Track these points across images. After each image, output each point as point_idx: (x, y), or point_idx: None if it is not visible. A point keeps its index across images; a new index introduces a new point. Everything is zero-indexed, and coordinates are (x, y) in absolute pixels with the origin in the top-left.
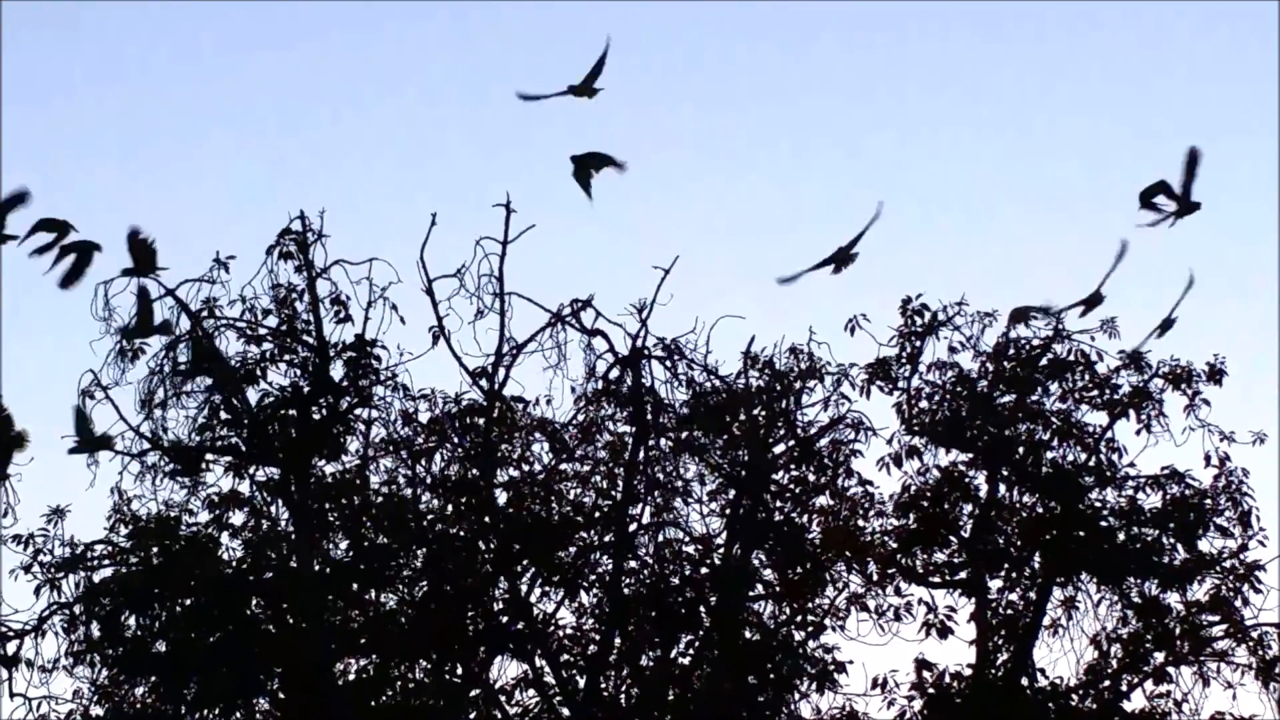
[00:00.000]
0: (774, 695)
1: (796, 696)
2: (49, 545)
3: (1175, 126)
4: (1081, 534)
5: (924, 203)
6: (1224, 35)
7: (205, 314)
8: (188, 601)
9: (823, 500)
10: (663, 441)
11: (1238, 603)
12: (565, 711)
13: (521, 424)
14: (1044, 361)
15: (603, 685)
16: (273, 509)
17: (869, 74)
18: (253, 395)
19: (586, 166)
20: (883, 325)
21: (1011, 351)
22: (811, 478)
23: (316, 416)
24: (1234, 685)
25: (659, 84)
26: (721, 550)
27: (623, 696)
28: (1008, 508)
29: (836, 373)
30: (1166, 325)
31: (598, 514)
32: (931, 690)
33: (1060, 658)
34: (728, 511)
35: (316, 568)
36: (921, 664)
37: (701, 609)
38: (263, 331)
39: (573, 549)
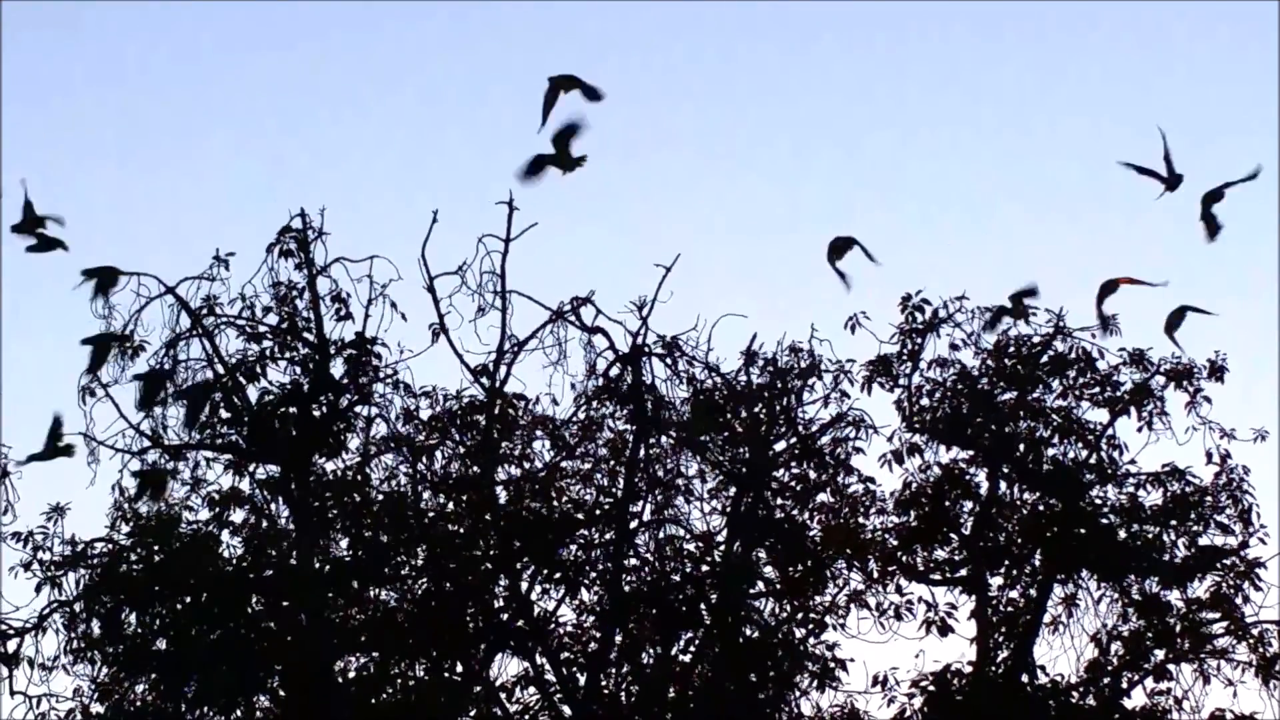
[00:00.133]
0: (775, 693)
1: (797, 694)
2: (48, 543)
3: (1175, 126)
4: (1082, 531)
5: (924, 202)
6: (1224, 35)
7: (205, 311)
8: (188, 599)
9: (824, 498)
10: (663, 439)
11: (1238, 600)
12: (566, 709)
13: (522, 422)
14: (1045, 358)
15: (603, 683)
16: (273, 507)
17: (869, 74)
18: (253, 393)
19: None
20: (883, 324)
21: (1012, 349)
22: (812, 475)
23: (317, 414)
24: (1234, 683)
25: (659, 84)
26: (722, 548)
27: (623, 694)
28: (1008, 505)
29: (834, 369)
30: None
31: (598, 511)
32: (932, 688)
33: (1061, 655)
34: (729, 509)
35: (317, 565)
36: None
37: (702, 606)
38: (263, 329)
39: (573, 546)
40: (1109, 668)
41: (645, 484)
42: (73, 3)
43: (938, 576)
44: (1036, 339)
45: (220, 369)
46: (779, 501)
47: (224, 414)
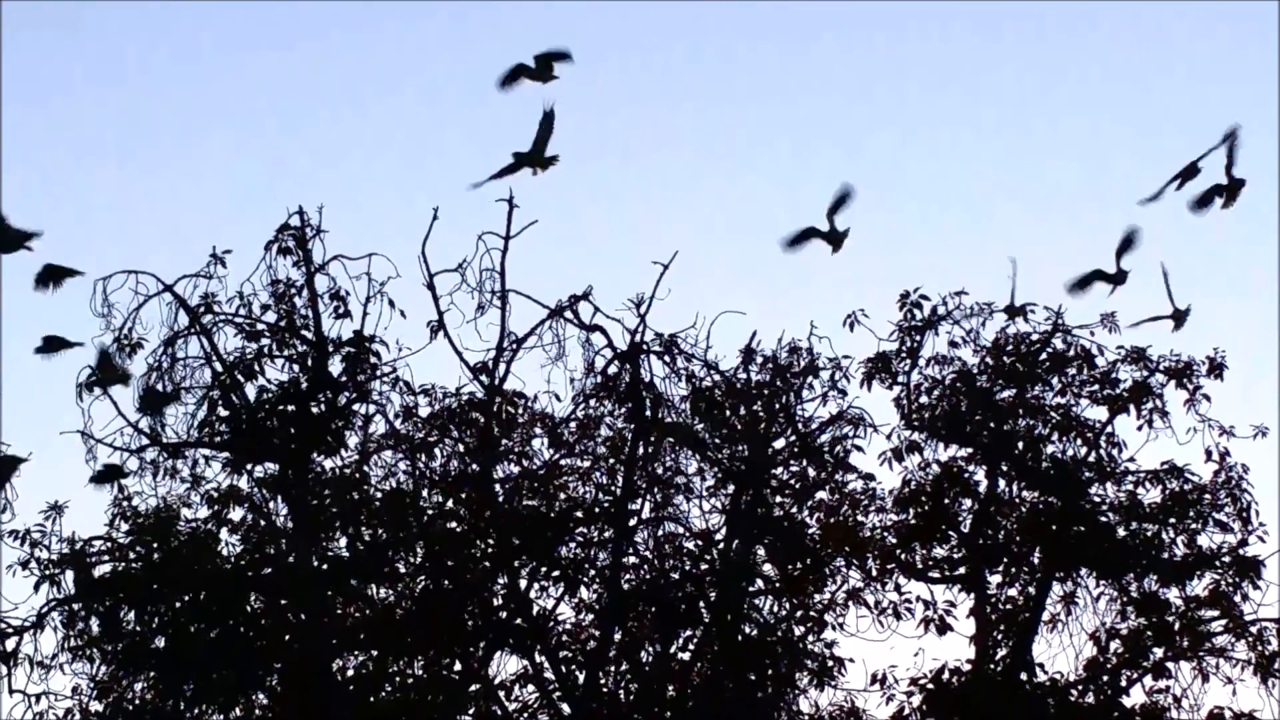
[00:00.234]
0: (774, 691)
1: (796, 692)
2: (46, 541)
3: (1175, 126)
4: (1081, 529)
5: (924, 202)
6: (1224, 35)
7: (203, 309)
8: (187, 597)
9: (823, 495)
10: (664, 438)
11: (1237, 598)
12: (565, 707)
13: (521, 419)
14: (1044, 356)
15: (602, 681)
16: (272, 505)
17: (869, 74)
18: (251, 391)
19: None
20: (882, 323)
21: (1011, 346)
22: (812, 473)
23: (315, 412)
24: (1233, 681)
25: (659, 84)
26: (721, 545)
27: (622, 692)
28: (1007, 503)
29: (829, 366)
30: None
31: (597, 509)
32: (930, 686)
33: (1059, 653)
34: (728, 507)
35: (315, 564)
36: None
37: (701, 605)
38: (261, 327)
39: (573, 544)
40: (1108, 666)
41: (644, 482)
42: (73, 3)
43: (936, 574)
44: (1035, 336)
45: (218, 367)
46: (778, 499)
47: (222, 412)
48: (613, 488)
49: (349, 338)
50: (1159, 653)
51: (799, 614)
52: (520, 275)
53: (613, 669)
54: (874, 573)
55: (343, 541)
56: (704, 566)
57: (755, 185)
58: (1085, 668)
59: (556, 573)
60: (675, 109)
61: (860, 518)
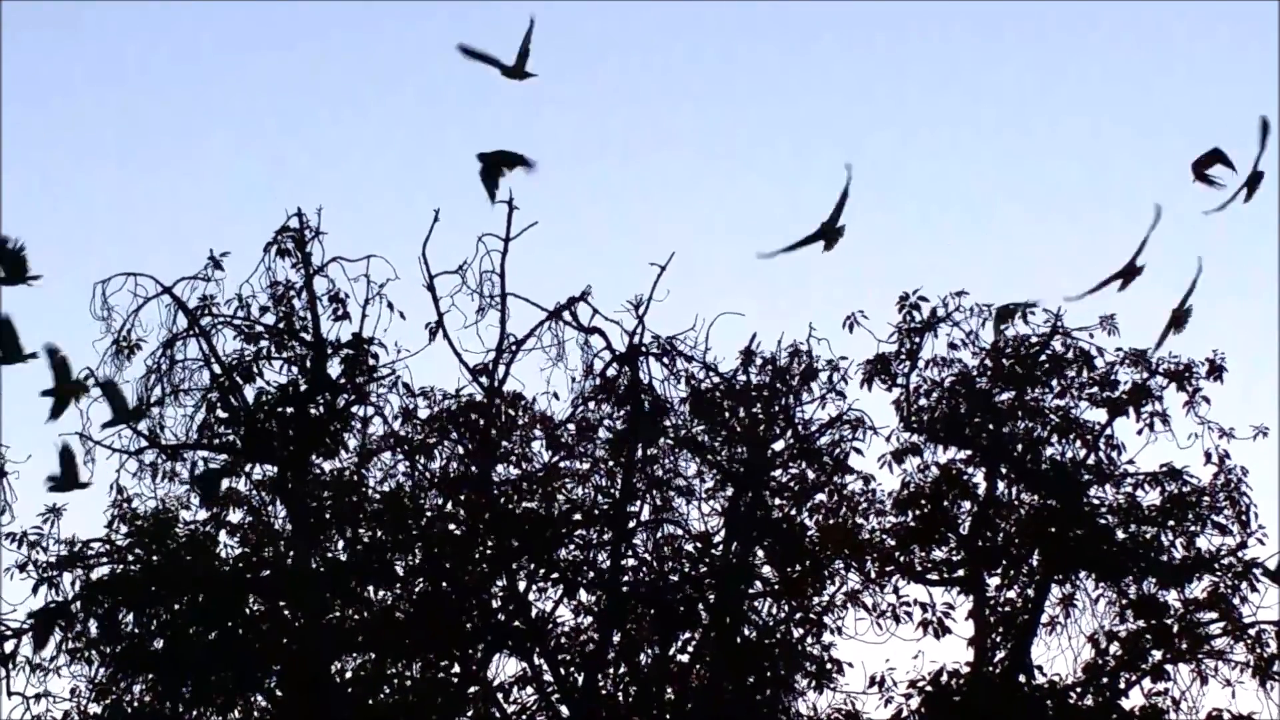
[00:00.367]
0: (772, 693)
1: (795, 695)
2: (44, 543)
3: (1175, 126)
4: (1080, 531)
5: (924, 202)
6: (1224, 35)
7: (202, 311)
8: (185, 599)
9: (822, 498)
10: (661, 439)
11: (1236, 600)
12: (563, 709)
13: (520, 421)
14: (1043, 358)
15: (601, 683)
16: (270, 507)
17: (869, 74)
18: (250, 393)
19: (497, 165)
20: (882, 324)
21: (1010, 349)
22: (811, 475)
23: (314, 414)
24: (1232, 683)
25: (659, 84)
26: (720, 548)
27: (621, 694)
28: (1006, 505)
29: (827, 368)
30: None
31: (596, 511)
32: (929, 688)
33: (1058, 655)
34: (727, 509)
35: (314, 565)
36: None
37: (700, 607)
38: (260, 329)
39: (572, 546)
40: (1106, 668)
41: (643, 484)
42: (73, 3)
43: (935, 577)
44: (1035, 338)
45: (217, 369)
46: (777, 501)
47: (221, 414)
48: (612, 490)
49: (348, 340)
50: (1158, 655)
51: (798, 616)
52: (521, 276)
53: (611, 671)
54: (873, 575)
55: (341, 543)
56: (703, 569)
57: (755, 185)
58: (1084, 670)
59: (555, 575)
60: (675, 109)
61: (859, 520)
